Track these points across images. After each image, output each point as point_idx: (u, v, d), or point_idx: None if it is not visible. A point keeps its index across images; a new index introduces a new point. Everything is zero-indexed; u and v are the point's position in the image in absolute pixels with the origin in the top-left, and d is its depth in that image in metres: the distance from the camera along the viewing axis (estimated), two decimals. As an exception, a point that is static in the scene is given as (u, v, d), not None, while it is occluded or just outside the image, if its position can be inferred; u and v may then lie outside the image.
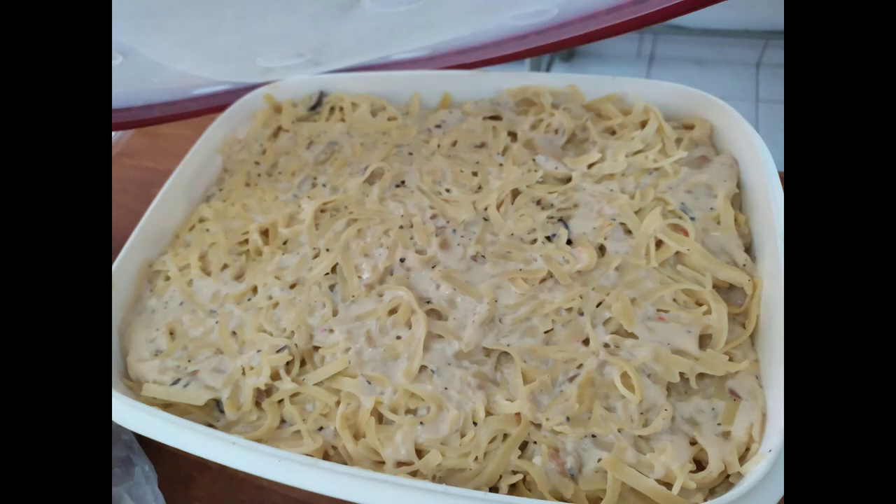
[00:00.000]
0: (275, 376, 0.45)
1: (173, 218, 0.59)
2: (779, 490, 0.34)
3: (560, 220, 0.51)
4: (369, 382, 0.44)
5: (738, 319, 0.44)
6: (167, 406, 0.45)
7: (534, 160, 0.56)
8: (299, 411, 0.44)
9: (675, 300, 0.44)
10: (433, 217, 0.53)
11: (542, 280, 0.47)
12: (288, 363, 0.46)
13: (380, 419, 0.42)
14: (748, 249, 0.48)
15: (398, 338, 0.46)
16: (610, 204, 0.50)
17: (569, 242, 0.49)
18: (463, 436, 0.40)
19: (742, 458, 0.38)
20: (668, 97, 0.59)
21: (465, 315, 0.46)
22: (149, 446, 0.49)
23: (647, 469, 0.37)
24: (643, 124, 0.57)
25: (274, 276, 0.51)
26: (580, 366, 0.42)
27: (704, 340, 0.43)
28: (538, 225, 0.50)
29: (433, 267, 0.49)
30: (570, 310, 0.45)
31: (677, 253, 0.47)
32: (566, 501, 0.38)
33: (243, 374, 0.46)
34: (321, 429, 0.43)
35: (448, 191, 0.56)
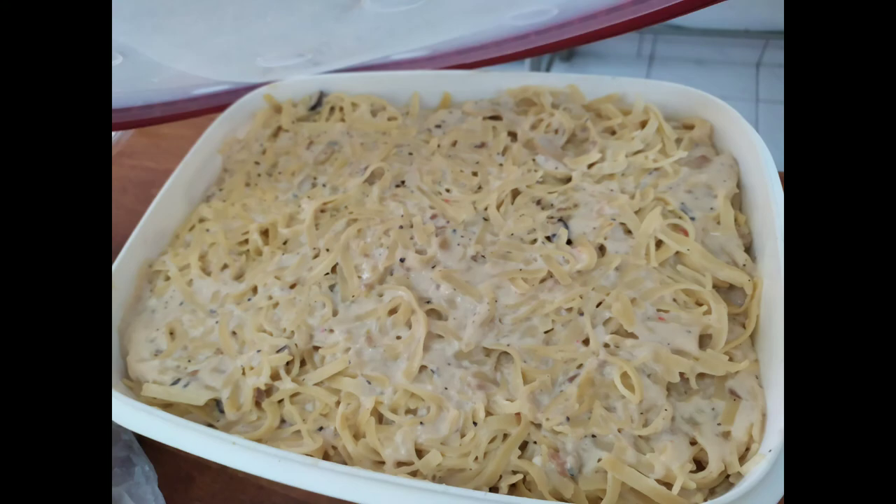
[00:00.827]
0: (275, 376, 0.45)
1: (173, 218, 0.59)
2: (779, 490, 0.34)
3: (560, 220, 0.51)
4: (369, 382, 0.44)
5: (738, 319, 0.44)
6: (167, 406, 0.45)
7: (534, 160, 0.56)
8: (299, 411, 0.44)
9: (675, 300, 0.44)
10: (433, 217, 0.53)
11: (542, 280, 0.47)
12: (288, 363, 0.46)
13: (380, 419, 0.42)
14: (748, 249, 0.48)
15: (398, 338, 0.45)
16: (610, 204, 0.50)
17: (569, 242, 0.49)
18: (463, 436, 0.40)
19: (742, 458, 0.38)
20: (668, 97, 0.59)
21: (465, 315, 0.46)
22: (149, 446, 0.49)
23: (647, 469, 0.37)
24: (643, 124, 0.57)
25: (274, 276, 0.51)
26: (580, 366, 0.42)
27: (704, 340, 0.43)
28: (538, 225, 0.50)
29: (433, 267, 0.49)
30: (570, 310, 0.45)
31: (677, 253, 0.47)
32: (566, 501, 0.37)
33: (243, 374, 0.46)
34: (321, 429, 0.43)
35: (448, 191, 0.56)
